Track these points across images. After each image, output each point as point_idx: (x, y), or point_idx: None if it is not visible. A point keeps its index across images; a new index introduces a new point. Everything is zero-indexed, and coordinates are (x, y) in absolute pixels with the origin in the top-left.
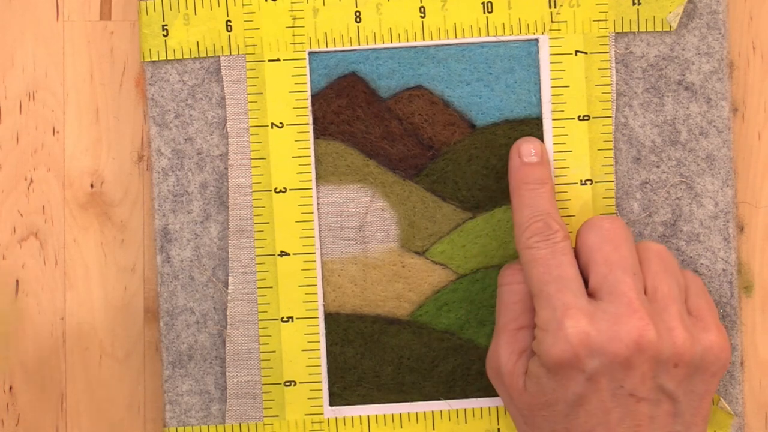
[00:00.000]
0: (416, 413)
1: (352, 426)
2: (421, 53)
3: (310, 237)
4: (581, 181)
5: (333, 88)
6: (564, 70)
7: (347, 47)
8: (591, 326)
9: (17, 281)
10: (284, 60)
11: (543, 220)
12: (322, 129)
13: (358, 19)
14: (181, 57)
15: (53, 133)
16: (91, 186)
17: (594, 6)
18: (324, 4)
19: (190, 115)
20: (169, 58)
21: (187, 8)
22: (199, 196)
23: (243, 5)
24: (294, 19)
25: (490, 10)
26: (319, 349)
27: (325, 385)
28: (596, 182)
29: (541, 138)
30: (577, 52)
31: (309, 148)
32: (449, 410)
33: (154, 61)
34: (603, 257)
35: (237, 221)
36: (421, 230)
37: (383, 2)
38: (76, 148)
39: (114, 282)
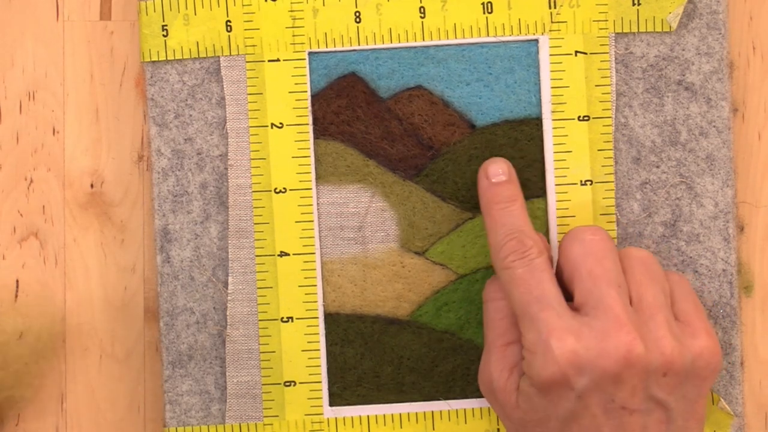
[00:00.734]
0: (416, 413)
1: (352, 426)
2: (421, 53)
3: (310, 237)
4: (581, 181)
5: (333, 88)
6: (564, 71)
7: (347, 47)
8: (578, 344)
9: (17, 281)
10: (284, 60)
11: (516, 238)
12: (322, 129)
13: (357, 20)
14: (181, 57)
15: (53, 133)
16: (91, 186)
17: (594, 6)
18: (324, 5)
19: (190, 116)
20: (169, 59)
21: (186, 8)
22: (199, 196)
23: (243, 5)
24: (294, 19)
25: (490, 11)
26: (318, 350)
27: (325, 386)
28: (596, 183)
29: (541, 139)
30: (577, 52)
31: (309, 149)
32: (449, 410)
33: (154, 62)
34: (587, 271)
35: (237, 221)
36: (421, 230)
37: (383, 2)
38: (76, 148)
39: (114, 282)
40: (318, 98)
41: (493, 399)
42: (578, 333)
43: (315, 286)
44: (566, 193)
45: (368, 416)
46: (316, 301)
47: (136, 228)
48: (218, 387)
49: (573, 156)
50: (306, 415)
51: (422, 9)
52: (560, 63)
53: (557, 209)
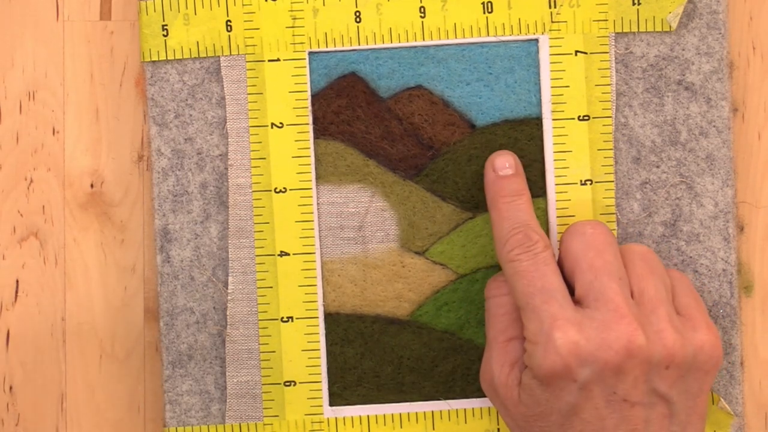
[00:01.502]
0: (416, 413)
1: (352, 426)
2: (421, 53)
3: (310, 237)
4: (581, 181)
5: (333, 88)
6: (564, 70)
7: (347, 47)
8: (580, 335)
9: (17, 281)
10: (284, 60)
11: (522, 232)
12: (322, 129)
13: (358, 19)
14: (181, 57)
15: (53, 133)
16: (91, 186)
17: (594, 6)
18: (324, 4)
19: (190, 115)
20: (169, 58)
21: (187, 8)
22: (199, 196)
23: (243, 5)
24: (294, 19)
25: (490, 10)
26: (319, 349)
27: (325, 385)
28: (596, 182)
29: (541, 138)
30: (577, 52)
31: (309, 148)
32: (449, 410)
33: (154, 61)
34: (587, 264)
35: (237, 221)
36: (421, 230)
37: (383, 2)
38: (76, 148)
39: (114, 282)
40: (318, 98)
41: (495, 395)
42: (580, 324)
43: (315, 285)
44: (566, 192)
45: (368, 416)
46: (316, 301)
47: (136, 228)
48: (218, 387)
49: (573, 156)
50: (306, 414)
51: (422, 9)
52: (560, 63)
53: (557, 209)
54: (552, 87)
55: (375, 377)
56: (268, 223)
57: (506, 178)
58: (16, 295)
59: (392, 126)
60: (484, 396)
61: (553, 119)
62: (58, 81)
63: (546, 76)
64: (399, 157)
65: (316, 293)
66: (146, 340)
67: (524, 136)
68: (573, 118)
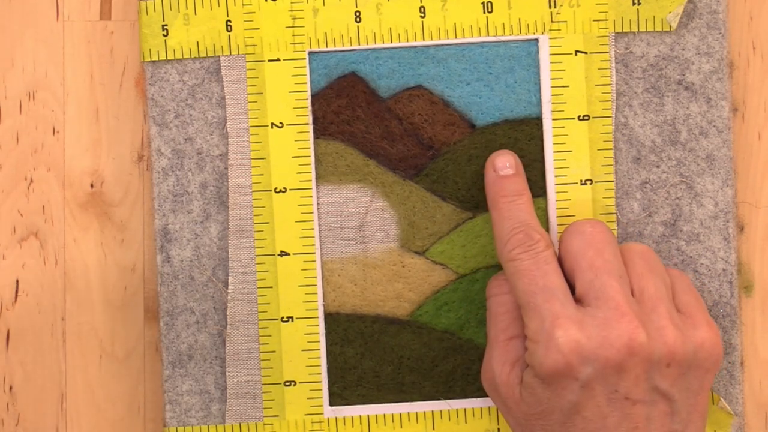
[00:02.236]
0: (416, 413)
1: (352, 426)
2: (421, 53)
3: (310, 237)
4: (581, 181)
5: (333, 88)
6: (564, 70)
7: (347, 47)
8: (581, 334)
9: (17, 281)
10: (284, 60)
11: (524, 231)
12: (322, 129)
13: (358, 19)
14: (181, 57)
15: (53, 133)
16: (91, 186)
17: (594, 6)
18: (324, 4)
19: (190, 115)
20: (169, 58)
21: (187, 8)
22: (199, 196)
23: (243, 5)
24: (294, 19)
25: (490, 10)
26: (319, 349)
27: (325, 385)
28: (596, 182)
29: (541, 138)
30: (577, 52)
31: (309, 148)
32: (449, 410)
33: (154, 61)
34: (587, 262)
35: (237, 221)
36: (421, 230)
37: (383, 2)
38: (76, 148)
39: (114, 282)
40: (318, 98)
41: (496, 394)
42: (581, 323)
43: (315, 285)
44: (566, 192)
45: (368, 416)
46: (316, 301)
47: (136, 228)
48: (218, 387)
49: (573, 155)
50: (306, 414)
51: (422, 9)
52: (560, 62)
53: (557, 209)
54: (552, 87)
55: (375, 377)
56: (268, 223)
57: (507, 177)
58: (16, 295)
59: (392, 126)
60: (484, 396)
61: (553, 119)
62: (58, 81)
63: (546, 76)
64: (399, 157)
65: (316, 293)
66: (146, 339)
67: (524, 136)
68: (573, 118)
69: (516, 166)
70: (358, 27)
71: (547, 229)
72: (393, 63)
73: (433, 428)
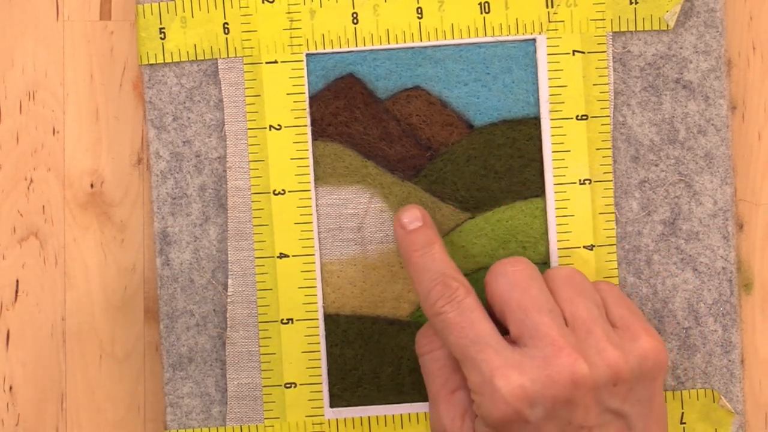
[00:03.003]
0: (416, 414)
1: (353, 427)
2: (419, 54)
3: (309, 239)
4: (580, 180)
5: (331, 89)
6: (561, 70)
7: (344, 49)
8: (523, 377)
9: (17, 281)
10: (282, 62)
11: (441, 282)
12: (320, 130)
13: (355, 21)
14: (178, 60)
15: (53, 133)
16: (91, 186)
17: (591, 5)
18: (321, 6)
19: (188, 118)
20: (166, 61)
21: (184, 11)
22: (198, 198)
23: (240, 8)
24: (291, 21)
25: (487, 11)
26: (319, 351)
27: (325, 387)
28: (595, 181)
29: (539, 138)
30: (574, 51)
31: (307, 150)
32: None
33: (151, 64)
34: (515, 303)
35: (236, 223)
36: None
37: (380, 3)
38: (76, 148)
39: (114, 282)
40: (316, 100)
41: None
42: (520, 366)
43: (315, 287)
44: (565, 192)
45: (369, 417)
46: (315, 303)
47: (136, 228)
48: (219, 389)
49: (571, 155)
50: (307, 416)
51: (419, 9)
52: (558, 62)
53: (556, 208)
54: (550, 86)
55: (375, 378)
56: (267, 225)
57: (415, 231)
58: (16, 295)
59: (390, 127)
60: None
61: (552, 119)
62: (58, 81)
63: (544, 76)
64: (397, 158)
65: (315, 295)
66: (146, 340)
67: (522, 136)
68: (571, 118)
69: (423, 217)
70: (355, 28)
71: (546, 230)
72: (390, 64)
73: None
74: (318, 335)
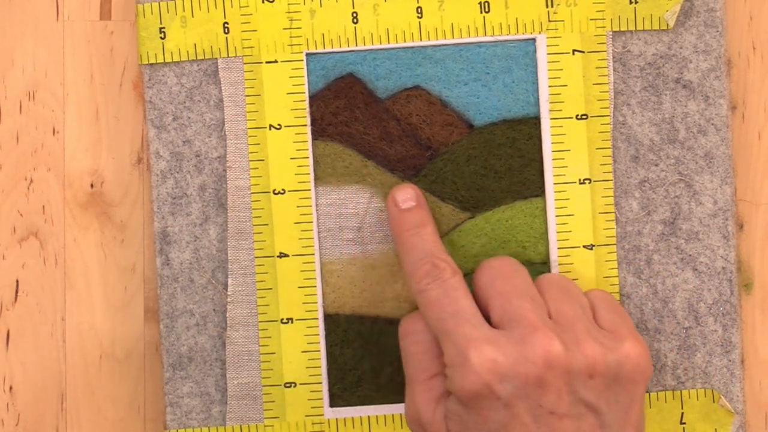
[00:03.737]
0: None
1: (353, 427)
2: (419, 54)
3: (309, 238)
4: (580, 180)
5: (331, 89)
6: (561, 69)
7: (344, 48)
8: (496, 352)
9: (17, 281)
10: (282, 62)
11: (430, 262)
12: (320, 130)
13: (355, 20)
14: (178, 59)
15: (53, 133)
16: (91, 186)
17: (591, 5)
18: (321, 6)
19: (188, 118)
20: (166, 61)
21: (184, 11)
22: (198, 198)
23: (240, 7)
24: (291, 20)
25: (487, 10)
26: (319, 351)
27: (325, 387)
28: (595, 181)
29: (539, 138)
30: (574, 51)
31: (307, 150)
32: None
33: (151, 64)
34: (497, 291)
35: (236, 223)
36: None
37: (380, 3)
38: (76, 148)
39: (114, 282)
40: (316, 99)
41: None
42: (496, 342)
43: (314, 287)
44: (565, 191)
45: (369, 417)
46: (315, 302)
47: (136, 228)
48: (219, 389)
49: (571, 155)
50: (306, 416)
51: (419, 9)
52: (558, 62)
53: (556, 208)
54: (550, 86)
55: (375, 378)
56: (267, 224)
57: (409, 210)
58: (16, 295)
59: (390, 127)
60: None
61: (551, 118)
62: (58, 81)
63: (543, 76)
64: (397, 157)
65: (315, 294)
66: (146, 340)
67: (522, 136)
68: (571, 117)
69: (417, 198)
70: (355, 28)
71: (546, 230)
72: (390, 64)
73: None
74: (318, 335)
